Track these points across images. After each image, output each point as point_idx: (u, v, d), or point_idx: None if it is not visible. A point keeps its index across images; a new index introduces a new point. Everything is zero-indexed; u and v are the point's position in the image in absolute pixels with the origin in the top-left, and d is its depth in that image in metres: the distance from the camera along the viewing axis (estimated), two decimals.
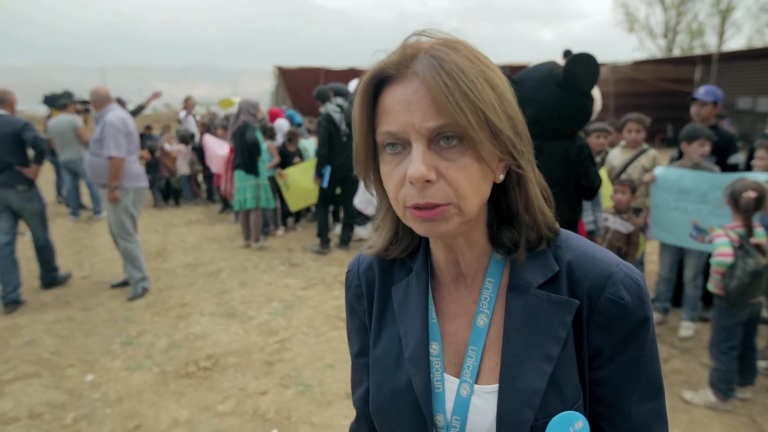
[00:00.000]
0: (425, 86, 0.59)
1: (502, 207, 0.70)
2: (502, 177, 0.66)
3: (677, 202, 3.56)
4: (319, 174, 5.85)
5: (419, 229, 0.64)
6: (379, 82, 0.63)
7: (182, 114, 10.62)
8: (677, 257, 3.82)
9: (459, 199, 0.61)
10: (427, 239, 0.76)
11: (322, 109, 5.73)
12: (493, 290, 0.70)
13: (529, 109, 2.72)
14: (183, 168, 8.96)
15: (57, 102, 7.93)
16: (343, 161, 5.71)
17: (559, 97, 2.70)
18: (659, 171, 3.66)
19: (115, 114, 4.29)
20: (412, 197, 0.61)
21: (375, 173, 0.69)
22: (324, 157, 5.70)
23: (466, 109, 0.57)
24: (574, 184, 2.85)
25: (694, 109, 3.89)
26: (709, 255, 3.67)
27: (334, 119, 5.61)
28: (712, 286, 2.77)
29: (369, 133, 0.65)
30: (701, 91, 3.88)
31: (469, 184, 0.61)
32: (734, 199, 2.77)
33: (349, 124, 5.63)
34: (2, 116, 4.44)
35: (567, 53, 3.05)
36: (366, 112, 0.64)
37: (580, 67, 2.67)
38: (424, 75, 0.58)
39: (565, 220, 2.84)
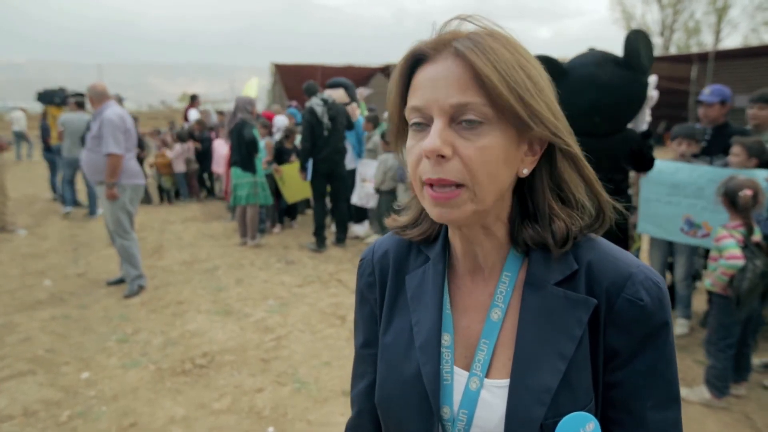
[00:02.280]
0: (459, 63, 0.60)
1: (528, 205, 0.69)
2: (526, 171, 0.66)
3: (669, 196, 3.52)
4: (303, 168, 5.86)
5: (433, 212, 0.64)
6: (415, 62, 0.65)
7: (192, 112, 10.63)
8: (666, 256, 3.83)
9: (473, 182, 0.61)
10: (446, 228, 0.75)
11: (307, 103, 5.74)
12: (509, 284, 0.69)
13: (587, 94, 2.51)
14: (179, 166, 8.94)
15: (51, 99, 7.89)
16: (326, 155, 5.69)
17: (620, 76, 2.51)
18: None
19: (113, 111, 4.28)
20: (427, 172, 0.62)
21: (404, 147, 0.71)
22: (306, 150, 5.70)
23: (504, 85, 0.58)
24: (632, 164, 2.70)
25: (701, 111, 3.77)
26: (705, 253, 3.70)
27: (316, 112, 5.60)
28: (711, 284, 2.76)
29: (401, 109, 0.67)
30: (706, 92, 3.75)
31: (485, 167, 0.60)
32: (730, 199, 2.75)
33: (331, 118, 5.61)
34: None
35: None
36: (399, 89, 0.67)
37: (640, 41, 2.51)
38: (460, 52, 0.60)
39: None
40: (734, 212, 2.76)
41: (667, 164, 3.56)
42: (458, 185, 0.61)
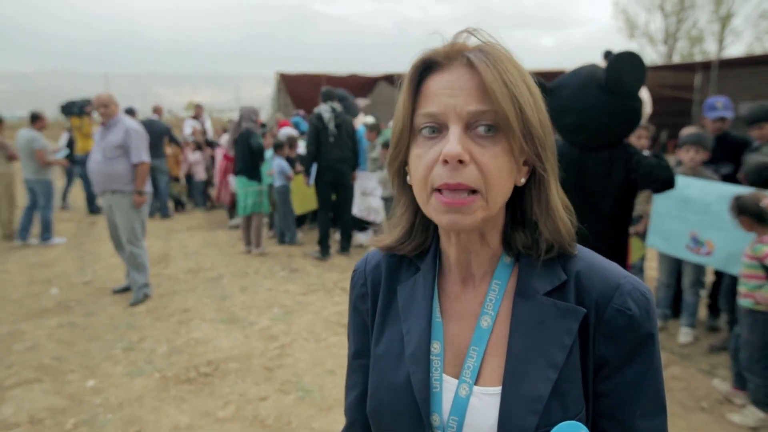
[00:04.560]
0: (471, 73, 0.63)
1: (518, 211, 0.72)
2: (523, 180, 0.68)
3: (679, 211, 3.49)
4: (307, 172, 5.88)
5: (443, 219, 0.65)
6: (425, 69, 0.67)
7: (188, 122, 10.73)
8: (676, 263, 3.83)
9: (487, 188, 0.63)
10: (438, 240, 0.77)
11: (316, 109, 5.78)
12: (499, 293, 0.71)
13: (570, 117, 2.53)
14: (200, 174, 8.99)
15: (71, 109, 8.07)
16: (330, 162, 5.71)
17: (602, 102, 2.46)
18: None
19: (132, 121, 4.45)
20: (442, 177, 0.62)
21: (400, 173, 0.72)
22: (310, 153, 5.73)
23: (508, 99, 0.61)
24: (623, 195, 2.63)
25: (717, 126, 3.86)
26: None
27: (323, 118, 5.64)
28: (755, 303, 2.68)
29: (410, 115, 0.67)
30: (719, 106, 3.82)
31: (498, 174, 0.63)
32: (755, 214, 2.70)
33: (337, 126, 5.64)
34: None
35: (608, 54, 2.79)
36: (410, 96, 0.67)
37: (624, 66, 2.43)
38: (474, 62, 0.63)
39: (594, 232, 2.67)
40: (762, 226, 2.71)
41: (679, 179, 3.52)
42: (472, 191, 0.63)
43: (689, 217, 3.44)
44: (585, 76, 2.56)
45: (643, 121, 2.65)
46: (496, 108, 0.61)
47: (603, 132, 2.55)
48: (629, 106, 2.51)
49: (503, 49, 0.66)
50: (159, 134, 7.89)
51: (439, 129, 0.64)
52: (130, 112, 8.52)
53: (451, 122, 0.63)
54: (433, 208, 0.66)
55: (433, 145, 0.64)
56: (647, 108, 2.62)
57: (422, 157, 0.65)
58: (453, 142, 0.61)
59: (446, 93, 0.63)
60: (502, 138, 0.63)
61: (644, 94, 2.59)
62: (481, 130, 0.63)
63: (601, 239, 2.59)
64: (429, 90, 0.65)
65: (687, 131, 3.95)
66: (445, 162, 0.62)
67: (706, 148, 3.60)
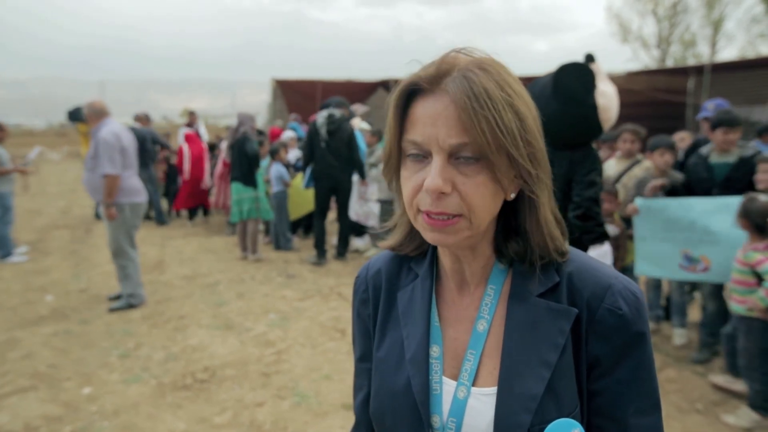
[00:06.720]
0: (453, 105, 0.62)
1: (511, 222, 0.73)
2: (513, 196, 0.69)
3: (665, 232, 3.40)
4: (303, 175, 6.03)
5: (428, 236, 0.68)
6: (412, 92, 0.67)
7: (185, 129, 10.72)
8: None
9: (470, 213, 0.65)
10: (435, 246, 0.79)
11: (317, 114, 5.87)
12: (494, 297, 0.73)
13: None
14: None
15: (77, 116, 8.19)
16: (322, 168, 5.76)
17: (554, 109, 2.59)
18: (641, 202, 3.47)
19: (108, 129, 4.19)
20: (425, 204, 0.65)
21: (397, 175, 0.73)
22: (305, 157, 5.89)
23: (488, 134, 0.61)
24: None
25: (706, 127, 3.86)
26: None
27: (315, 122, 5.72)
28: (748, 309, 2.70)
29: (398, 138, 0.69)
30: (710, 108, 3.86)
31: (481, 200, 0.64)
32: (756, 223, 2.72)
33: (330, 132, 5.68)
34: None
35: (589, 58, 2.85)
36: (397, 119, 0.68)
37: (568, 77, 2.58)
38: (454, 94, 0.62)
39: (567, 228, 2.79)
40: (758, 235, 2.73)
41: (654, 202, 3.45)
42: (456, 215, 0.65)
43: (676, 236, 3.35)
44: (542, 85, 2.72)
45: (608, 125, 2.74)
46: (475, 142, 0.62)
47: (561, 136, 2.69)
48: (577, 113, 2.64)
49: (492, 66, 0.65)
50: (140, 142, 6.81)
51: (424, 155, 0.66)
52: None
53: (434, 152, 0.64)
54: (420, 226, 0.68)
55: (419, 169, 0.66)
56: (610, 113, 2.69)
57: (409, 180, 0.67)
58: (434, 175, 0.62)
59: (428, 123, 0.64)
60: (485, 166, 0.63)
61: (606, 100, 2.64)
62: (462, 158, 0.63)
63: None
64: (414, 117, 0.66)
65: (679, 136, 4.00)
66: (429, 193, 0.64)
67: (673, 150, 3.65)
